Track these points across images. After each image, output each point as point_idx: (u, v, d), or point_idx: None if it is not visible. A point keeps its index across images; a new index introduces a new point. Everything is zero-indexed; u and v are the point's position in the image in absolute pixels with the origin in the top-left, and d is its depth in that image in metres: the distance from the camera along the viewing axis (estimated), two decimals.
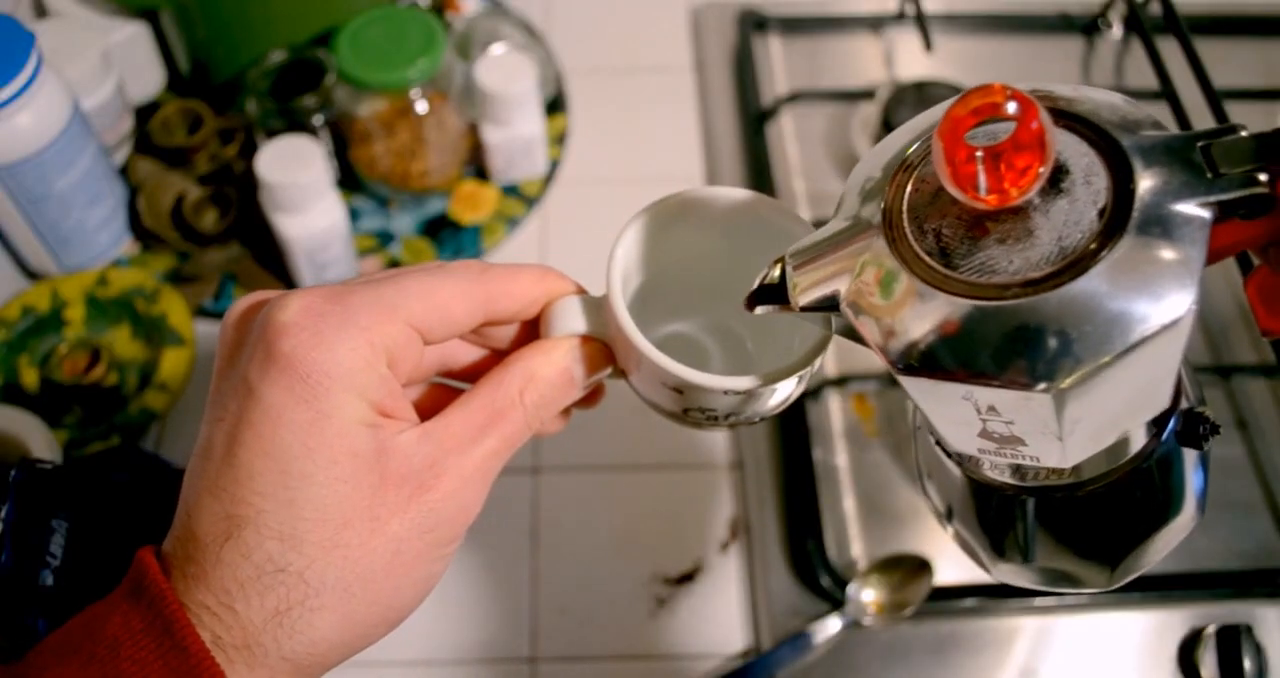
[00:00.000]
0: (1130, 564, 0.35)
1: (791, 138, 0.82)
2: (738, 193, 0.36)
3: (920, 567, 0.60)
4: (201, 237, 0.72)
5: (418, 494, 0.31)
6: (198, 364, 0.69)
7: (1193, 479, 0.35)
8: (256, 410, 0.30)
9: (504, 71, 0.72)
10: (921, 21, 0.81)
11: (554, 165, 0.79)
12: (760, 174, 0.77)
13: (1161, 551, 0.36)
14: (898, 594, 0.59)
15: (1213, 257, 0.27)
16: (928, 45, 0.81)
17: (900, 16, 0.86)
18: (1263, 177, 0.27)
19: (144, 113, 0.77)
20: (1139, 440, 0.32)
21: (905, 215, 0.30)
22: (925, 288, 0.28)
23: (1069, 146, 0.29)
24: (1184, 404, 0.33)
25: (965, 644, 0.59)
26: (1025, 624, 0.60)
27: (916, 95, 0.79)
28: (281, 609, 0.29)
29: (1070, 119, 0.29)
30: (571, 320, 0.35)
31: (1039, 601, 0.60)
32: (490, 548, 0.63)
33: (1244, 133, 0.28)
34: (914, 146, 0.31)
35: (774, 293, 0.32)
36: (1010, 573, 0.36)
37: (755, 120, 0.80)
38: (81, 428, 0.65)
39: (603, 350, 0.35)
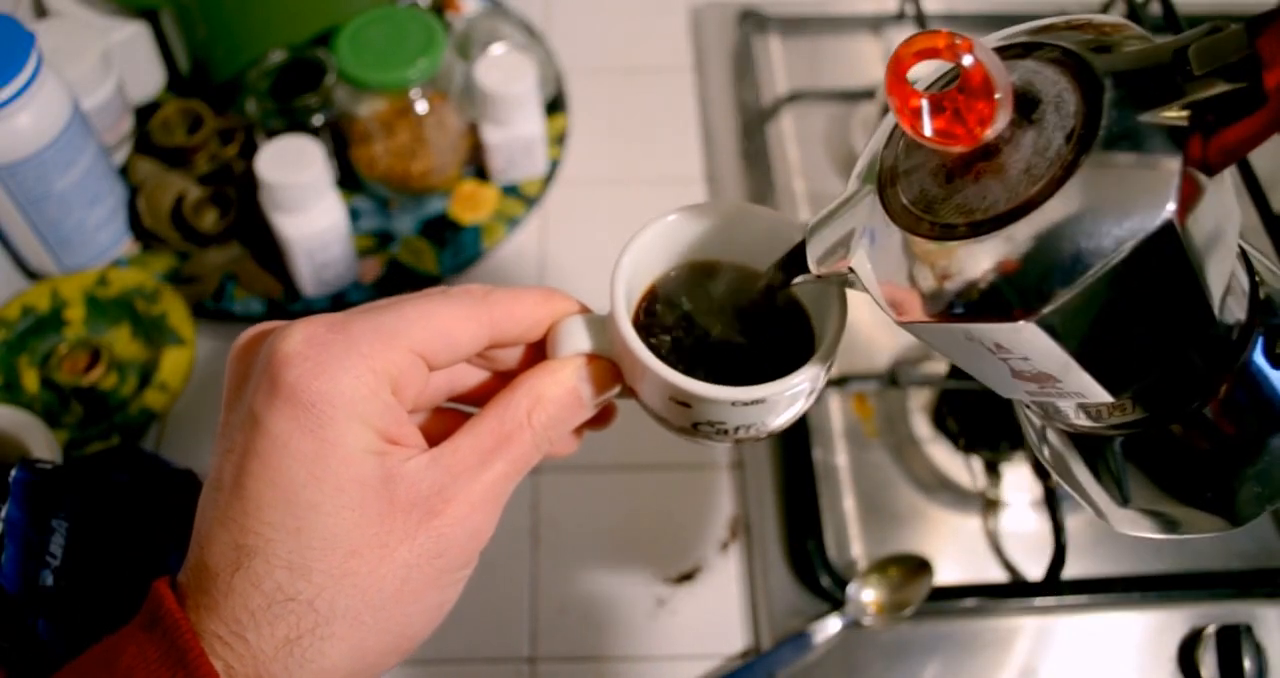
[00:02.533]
0: (1246, 501, 0.33)
1: (791, 138, 0.82)
2: (736, 203, 0.37)
3: (920, 567, 0.60)
4: (201, 237, 0.72)
5: (426, 520, 0.31)
6: (198, 364, 0.69)
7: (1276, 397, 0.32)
8: (263, 441, 0.30)
9: (504, 71, 0.72)
10: (921, 21, 0.81)
11: (554, 165, 0.79)
12: (760, 174, 0.77)
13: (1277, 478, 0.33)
14: (898, 594, 0.59)
15: (1218, 161, 0.25)
16: None
17: (900, 16, 0.86)
18: (1237, 76, 0.25)
19: (144, 113, 0.77)
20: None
21: (895, 170, 0.30)
22: (910, 238, 0.28)
23: (1040, 76, 0.28)
24: (1274, 319, 0.30)
25: (965, 644, 0.59)
26: (1025, 624, 0.60)
27: None
28: (292, 638, 0.29)
29: (1042, 49, 0.29)
30: (577, 340, 0.35)
31: (1039, 600, 0.60)
32: (490, 548, 0.62)
33: (1231, 28, 0.25)
34: None
35: (798, 262, 0.33)
36: (1126, 521, 0.35)
37: (755, 120, 0.80)
38: (81, 428, 0.65)
39: (610, 369, 0.35)
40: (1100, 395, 0.29)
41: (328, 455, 0.30)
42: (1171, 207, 0.25)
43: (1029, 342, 0.27)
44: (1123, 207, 0.25)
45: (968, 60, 0.26)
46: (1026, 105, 0.28)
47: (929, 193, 0.29)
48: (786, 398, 0.34)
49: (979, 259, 0.27)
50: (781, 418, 0.35)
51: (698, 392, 0.33)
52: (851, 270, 0.31)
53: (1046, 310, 0.26)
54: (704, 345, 0.36)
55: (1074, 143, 0.26)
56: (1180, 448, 0.32)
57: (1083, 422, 0.33)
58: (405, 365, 0.32)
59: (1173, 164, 0.25)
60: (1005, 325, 0.27)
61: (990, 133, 0.27)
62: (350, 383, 0.31)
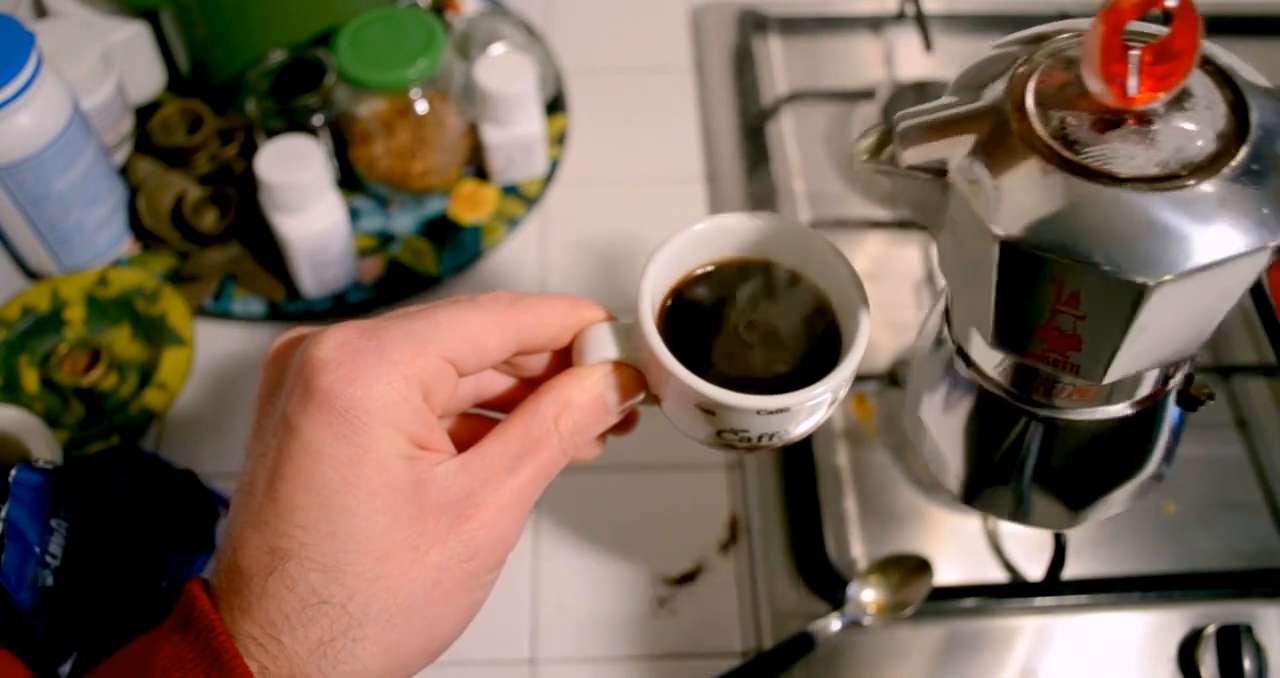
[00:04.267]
0: (1091, 510, 0.39)
1: (791, 138, 0.82)
2: (763, 216, 0.37)
3: (920, 567, 0.60)
4: (201, 237, 0.72)
5: (456, 524, 0.31)
6: (197, 364, 0.69)
7: (1165, 439, 0.37)
8: (297, 446, 0.31)
9: (504, 71, 0.72)
10: (921, 21, 0.81)
11: (554, 165, 0.79)
12: (760, 174, 0.77)
13: (1120, 503, 0.39)
14: (898, 594, 0.59)
15: None
16: (928, 45, 0.80)
17: (900, 16, 0.86)
18: None
19: (144, 113, 0.77)
20: (1145, 388, 0.35)
21: (1031, 100, 0.31)
22: (1046, 166, 0.30)
23: (1196, 78, 0.31)
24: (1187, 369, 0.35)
25: (965, 644, 0.59)
26: (1025, 624, 0.60)
27: (916, 95, 0.79)
28: (325, 640, 0.30)
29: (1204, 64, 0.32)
30: (604, 347, 0.35)
31: (1039, 600, 0.60)
32: None
33: None
34: (1033, 44, 0.33)
35: (879, 151, 0.35)
36: (983, 498, 0.39)
37: (755, 120, 0.80)
38: (81, 428, 0.65)
39: (635, 376, 0.36)
40: (1095, 377, 0.33)
41: (361, 460, 0.30)
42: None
43: (1115, 303, 0.30)
44: (1257, 215, 0.28)
45: (1172, 1, 0.29)
46: (1182, 92, 0.31)
47: (1072, 133, 0.31)
48: (810, 406, 0.34)
49: (1120, 210, 0.29)
50: (804, 426, 0.36)
51: (723, 400, 0.33)
52: (950, 178, 0.32)
53: (1166, 277, 0.28)
54: (729, 351, 0.36)
55: (1224, 143, 0.30)
56: (1080, 444, 0.37)
57: (1012, 389, 0.37)
58: (436, 371, 0.32)
59: None
60: (1119, 280, 0.29)
61: (1162, 100, 0.30)
62: (383, 389, 0.31)
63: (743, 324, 0.37)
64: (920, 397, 0.43)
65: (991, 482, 0.40)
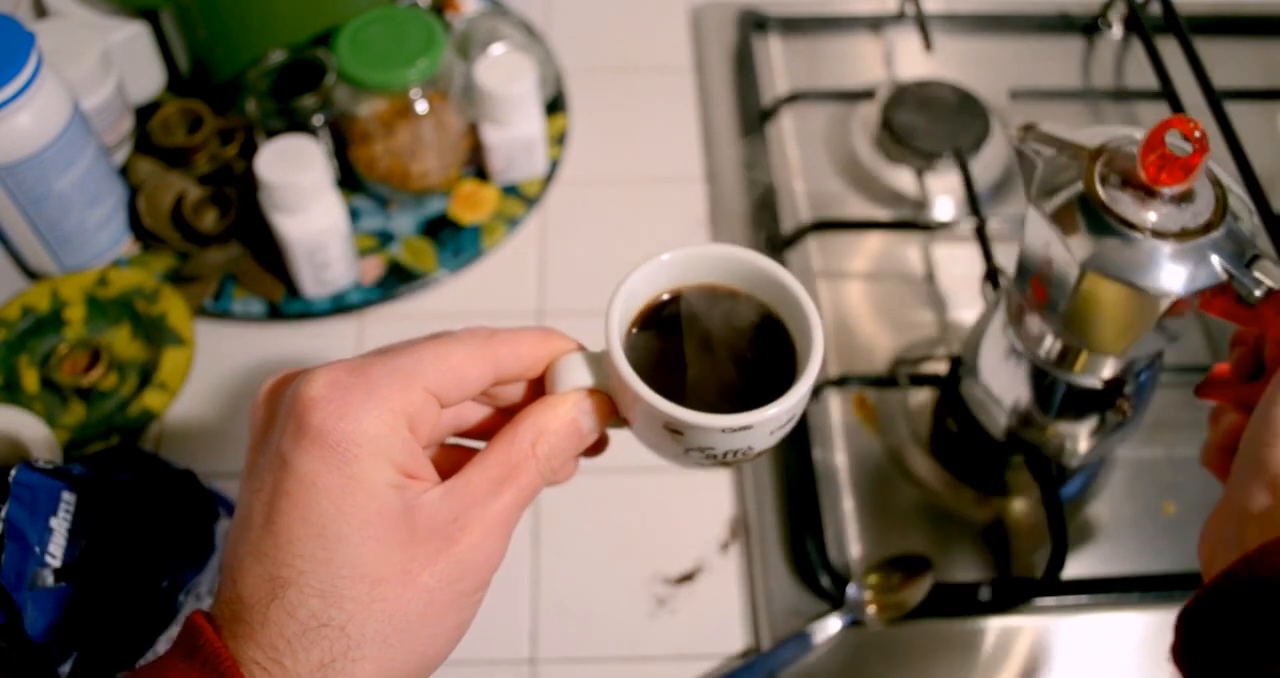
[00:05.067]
0: (1081, 453, 0.58)
1: (791, 138, 0.82)
2: (722, 246, 0.39)
3: (920, 567, 0.60)
4: (201, 237, 0.72)
5: (445, 547, 0.33)
6: (197, 364, 0.69)
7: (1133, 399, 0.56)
8: (292, 480, 0.32)
9: (504, 71, 0.72)
10: (921, 21, 0.81)
11: (554, 165, 0.79)
12: (760, 174, 0.77)
13: (1103, 446, 0.59)
14: (898, 594, 0.59)
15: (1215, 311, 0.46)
16: (928, 45, 0.81)
17: (900, 16, 0.86)
18: (1258, 292, 0.44)
19: (144, 113, 0.77)
20: (1117, 368, 0.54)
21: (1097, 181, 0.47)
22: (1117, 225, 0.46)
23: (1211, 177, 0.47)
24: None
25: (965, 644, 0.59)
26: (1025, 624, 0.60)
27: (916, 95, 0.79)
28: (326, 662, 0.31)
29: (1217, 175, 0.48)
30: (575, 375, 0.37)
31: (1039, 600, 0.60)
32: None
33: (1276, 285, 0.44)
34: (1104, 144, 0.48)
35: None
36: (1014, 431, 0.59)
37: (755, 120, 0.80)
38: (81, 428, 0.65)
39: (606, 402, 0.38)
40: (1110, 349, 0.52)
41: (353, 491, 0.32)
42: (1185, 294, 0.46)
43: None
44: (1204, 262, 0.45)
45: (1196, 137, 0.43)
46: (1202, 192, 0.46)
47: (1123, 205, 0.46)
48: (771, 422, 0.36)
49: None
50: (768, 441, 0.38)
51: (689, 420, 0.35)
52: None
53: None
54: (693, 374, 0.38)
55: (1207, 221, 0.46)
56: (1083, 401, 0.56)
57: (1053, 363, 0.55)
58: (421, 404, 0.34)
59: (1225, 271, 0.45)
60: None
61: (1180, 188, 0.45)
62: (371, 423, 0.33)
63: (705, 348, 0.39)
64: (979, 358, 0.59)
65: (1024, 422, 0.58)
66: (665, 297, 0.39)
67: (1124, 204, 0.46)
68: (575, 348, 0.39)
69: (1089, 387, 0.55)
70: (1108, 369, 0.54)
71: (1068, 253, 0.46)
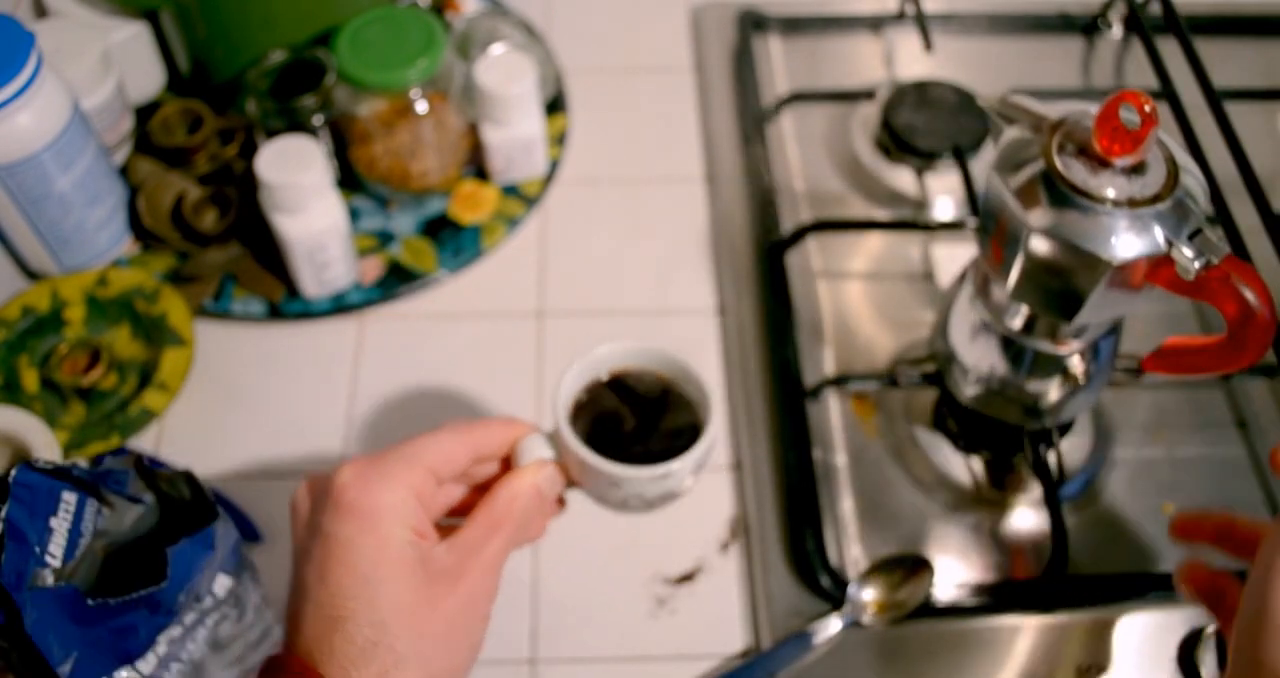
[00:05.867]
0: (1049, 414, 0.61)
1: (791, 138, 0.82)
2: (644, 342, 0.49)
3: (920, 567, 0.60)
4: (201, 237, 0.72)
5: (454, 585, 0.44)
6: (197, 364, 0.69)
7: (1094, 369, 0.59)
8: (335, 545, 0.43)
9: (504, 71, 0.72)
10: (921, 21, 0.81)
11: (554, 165, 0.79)
12: (760, 174, 0.77)
13: (1072, 410, 0.62)
14: (898, 594, 0.59)
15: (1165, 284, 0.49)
16: (928, 45, 0.81)
17: (900, 16, 0.86)
18: (1197, 264, 0.46)
19: (144, 113, 0.77)
20: (1083, 340, 0.57)
21: (1054, 151, 0.49)
22: (1068, 192, 0.48)
23: (1164, 148, 0.49)
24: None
25: (965, 644, 0.59)
26: (1025, 624, 0.60)
27: (917, 95, 0.79)
28: (382, 672, 0.41)
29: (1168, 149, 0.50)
30: (534, 451, 0.48)
31: (1039, 600, 0.60)
32: None
33: (1214, 259, 0.46)
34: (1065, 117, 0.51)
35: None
36: (980, 399, 0.62)
37: (755, 120, 0.80)
38: (81, 428, 0.65)
39: (561, 469, 0.48)
40: (1067, 315, 0.53)
41: (383, 547, 0.43)
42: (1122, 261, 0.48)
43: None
44: (1145, 237, 0.48)
45: (1146, 111, 0.46)
46: (1155, 167, 0.49)
47: (1076, 172, 0.49)
48: (689, 466, 0.47)
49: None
50: (686, 482, 0.48)
51: (623, 474, 0.46)
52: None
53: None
54: (625, 438, 0.49)
55: (1158, 192, 0.48)
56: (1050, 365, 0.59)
57: (1017, 331, 0.57)
58: (423, 479, 0.45)
59: (1168, 238, 0.48)
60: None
61: (1131, 160, 0.48)
62: (390, 497, 0.43)
63: (631, 417, 0.49)
64: (950, 327, 0.62)
65: (992, 389, 0.61)
66: (601, 379, 0.50)
67: (1077, 171, 0.48)
68: (534, 430, 0.48)
69: (1051, 353, 0.57)
70: (1067, 337, 0.57)
71: (1021, 213, 0.49)
